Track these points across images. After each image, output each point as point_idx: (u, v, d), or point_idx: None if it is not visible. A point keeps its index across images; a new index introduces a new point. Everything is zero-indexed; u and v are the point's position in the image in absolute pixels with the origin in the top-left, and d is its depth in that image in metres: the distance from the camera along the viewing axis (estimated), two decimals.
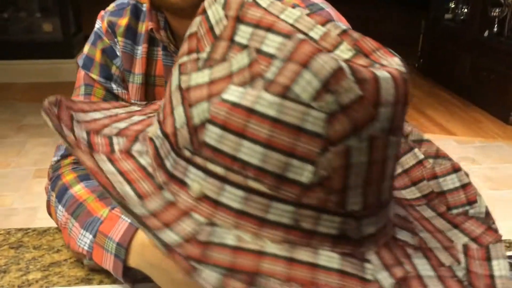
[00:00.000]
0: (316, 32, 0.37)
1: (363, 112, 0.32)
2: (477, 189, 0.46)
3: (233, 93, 0.33)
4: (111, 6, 0.78)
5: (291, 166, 0.32)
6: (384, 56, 0.37)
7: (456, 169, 0.48)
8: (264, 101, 0.32)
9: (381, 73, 0.33)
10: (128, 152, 0.39)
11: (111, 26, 0.76)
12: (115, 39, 0.76)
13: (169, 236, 0.31)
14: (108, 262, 0.58)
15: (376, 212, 0.35)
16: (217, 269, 0.30)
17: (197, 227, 0.33)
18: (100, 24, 0.77)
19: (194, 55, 0.36)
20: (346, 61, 0.32)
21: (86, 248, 0.60)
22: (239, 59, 0.34)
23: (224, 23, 0.35)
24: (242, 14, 0.35)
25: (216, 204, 0.33)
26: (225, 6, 0.36)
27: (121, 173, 0.36)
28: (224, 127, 0.33)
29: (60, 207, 0.66)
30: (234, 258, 0.31)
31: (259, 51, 0.33)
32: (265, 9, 0.35)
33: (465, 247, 0.41)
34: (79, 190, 0.66)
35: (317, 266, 0.33)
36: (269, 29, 0.33)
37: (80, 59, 0.77)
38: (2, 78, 3.64)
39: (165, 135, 0.36)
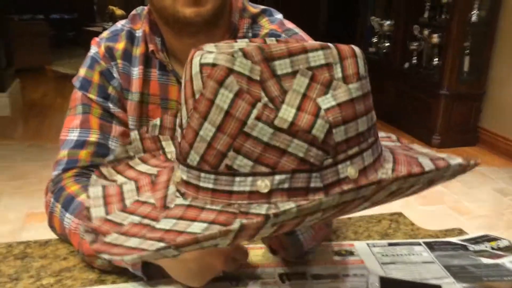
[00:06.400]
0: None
1: None
2: None
3: (328, 101, 0.42)
4: (106, 33, 0.84)
5: (373, 116, 0.46)
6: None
7: None
8: (353, 89, 0.43)
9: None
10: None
11: (109, 50, 0.81)
12: (112, 62, 0.81)
13: None
14: None
15: None
16: None
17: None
18: (96, 49, 0.82)
19: (259, 105, 0.41)
20: None
21: None
22: (300, 82, 0.42)
23: (257, 68, 0.41)
24: (270, 54, 0.42)
25: (365, 169, 0.45)
26: (247, 56, 0.42)
27: None
28: (344, 122, 0.42)
29: (67, 214, 0.70)
30: None
31: (310, 68, 0.42)
32: (284, 44, 0.44)
33: None
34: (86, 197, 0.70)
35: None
36: (305, 51, 0.42)
37: (76, 81, 0.82)
38: None
39: (292, 171, 0.42)
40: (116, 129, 0.81)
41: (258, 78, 0.41)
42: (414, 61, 3.63)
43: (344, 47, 0.44)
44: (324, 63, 0.42)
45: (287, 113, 0.41)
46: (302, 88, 0.41)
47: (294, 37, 0.79)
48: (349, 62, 0.44)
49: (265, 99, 0.41)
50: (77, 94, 0.81)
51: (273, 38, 0.51)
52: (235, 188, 0.42)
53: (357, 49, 0.45)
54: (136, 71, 0.81)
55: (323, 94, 0.41)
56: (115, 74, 0.81)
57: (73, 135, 0.79)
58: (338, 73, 0.43)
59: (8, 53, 4.02)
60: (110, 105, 0.80)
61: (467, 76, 3.28)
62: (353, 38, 4.41)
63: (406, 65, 3.67)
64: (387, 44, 3.99)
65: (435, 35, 3.35)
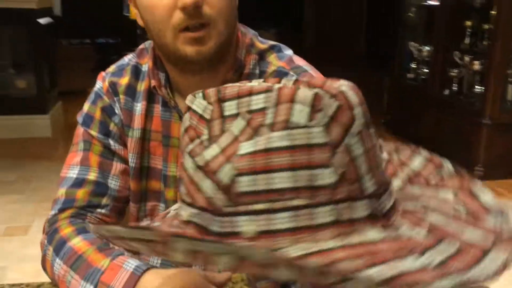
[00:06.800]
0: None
1: (346, 116, 0.41)
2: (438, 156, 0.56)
3: (246, 147, 0.40)
4: (112, 68, 0.84)
5: (316, 175, 0.39)
6: (332, 82, 0.45)
7: (415, 151, 0.57)
8: (275, 138, 0.40)
9: (343, 87, 0.42)
10: None
11: (113, 86, 0.80)
12: (115, 98, 0.80)
13: None
14: None
15: (387, 188, 0.44)
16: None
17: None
18: (101, 84, 0.82)
19: (197, 141, 0.44)
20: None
21: None
22: (237, 124, 0.42)
23: (210, 108, 0.44)
24: (223, 96, 0.43)
25: (273, 233, 0.39)
26: (205, 97, 0.45)
27: None
28: (252, 172, 0.40)
29: (58, 260, 0.68)
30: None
31: (250, 112, 0.42)
32: (238, 86, 0.45)
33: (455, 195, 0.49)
34: (77, 242, 0.69)
35: (369, 242, 0.40)
36: (250, 93, 0.42)
37: (79, 117, 0.82)
38: None
39: (201, 208, 0.42)
40: (117, 166, 0.79)
41: (208, 117, 0.43)
42: (454, 88, 3.48)
43: (286, 91, 0.41)
44: (261, 107, 0.42)
45: (210, 152, 0.42)
46: (237, 131, 0.42)
47: (303, 75, 0.75)
48: (282, 108, 0.41)
49: (205, 136, 0.43)
50: (80, 130, 0.81)
51: (292, 79, 0.48)
52: (180, 211, 0.45)
53: (302, 94, 0.40)
54: (139, 107, 0.79)
55: (251, 139, 0.41)
56: (117, 110, 0.79)
57: (72, 173, 0.78)
58: (268, 118, 0.41)
59: (51, 76, 4.17)
60: (111, 142, 0.79)
61: (511, 105, 3.11)
62: (391, 64, 4.33)
63: (446, 92, 3.54)
64: (425, 70, 3.87)
65: (476, 62, 3.22)
